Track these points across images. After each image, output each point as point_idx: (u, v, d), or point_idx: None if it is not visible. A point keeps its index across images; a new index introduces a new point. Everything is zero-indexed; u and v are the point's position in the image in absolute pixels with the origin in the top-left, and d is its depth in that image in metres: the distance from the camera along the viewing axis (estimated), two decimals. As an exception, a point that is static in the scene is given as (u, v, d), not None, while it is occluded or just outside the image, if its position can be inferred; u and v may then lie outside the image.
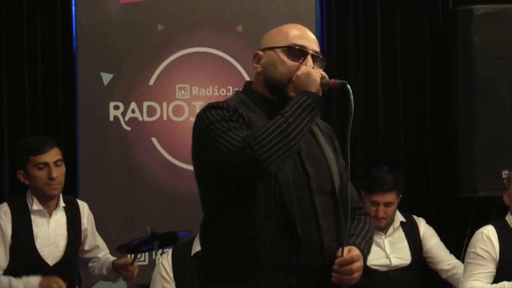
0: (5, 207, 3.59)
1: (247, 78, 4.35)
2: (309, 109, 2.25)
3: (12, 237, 3.53)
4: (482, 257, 3.55)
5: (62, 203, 3.66)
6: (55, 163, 3.56)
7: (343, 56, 5.12)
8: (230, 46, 4.77)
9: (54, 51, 4.83)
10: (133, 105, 4.73)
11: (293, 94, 2.32)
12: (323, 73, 2.35)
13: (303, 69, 2.35)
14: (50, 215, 3.62)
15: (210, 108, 2.32)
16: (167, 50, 4.76)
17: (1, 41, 4.76)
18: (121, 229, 4.59)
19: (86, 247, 3.78)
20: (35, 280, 3.46)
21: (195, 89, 4.78)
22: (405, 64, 5.15)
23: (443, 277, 4.25)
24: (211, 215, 2.35)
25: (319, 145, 2.43)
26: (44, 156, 3.54)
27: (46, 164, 3.54)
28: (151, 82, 4.75)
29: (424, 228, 4.30)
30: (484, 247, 3.56)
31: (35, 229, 3.56)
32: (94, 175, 4.66)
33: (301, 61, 2.37)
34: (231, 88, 4.73)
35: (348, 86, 2.30)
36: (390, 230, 4.25)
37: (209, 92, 4.77)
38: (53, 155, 3.56)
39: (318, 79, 2.31)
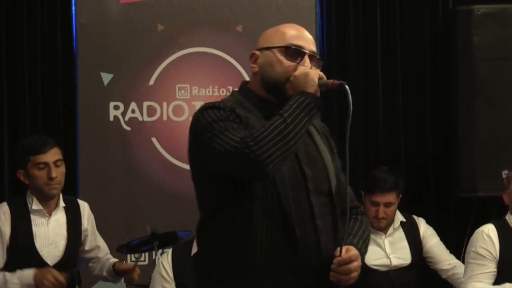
0: (4, 206, 3.59)
1: (247, 78, 4.34)
2: (307, 109, 2.25)
3: (12, 237, 3.53)
4: (483, 256, 3.54)
5: (62, 203, 3.66)
6: (55, 163, 3.56)
7: (343, 56, 5.12)
8: (230, 46, 4.77)
9: (54, 51, 4.83)
10: (133, 105, 4.73)
11: (290, 94, 2.31)
12: (321, 73, 2.34)
13: (301, 69, 2.34)
14: (50, 215, 3.61)
15: (206, 108, 2.32)
16: (167, 50, 4.76)
17: (1, 41, 4.77)
18: (121, 229, 4.59)
19: (87, 247, 3.77)
20: (29, 272, 3.45)
21: (195, 89, 4.78)
22: (405, 64, 5.15)
23: (443, 277, 4.25)
24: (207, 215, 2.35)
25: (315, 145, 2.43)
26: (44, 156, 3.54)
27: (46, 164, 3.54)
28: (151, 82, 4.75)
29: (424, 228, 4.30)
30: (485, 246, 3.55)
31: (35, 229, 3.56)
32: (94, 175, 4.66)
33: (298, 61, 2.37)
34: (231, 88, 4.73)
35: (347, 87, 2.29)
36: (390, 230, 4.25)
37: (209, 92, 4.77)
38: (53, 155, 3.56)
39: (316, 80, 2.31)
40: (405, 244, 4.24)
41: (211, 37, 4.79)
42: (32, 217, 3.58)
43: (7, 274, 3.47)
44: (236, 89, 2.51)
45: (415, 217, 4.35)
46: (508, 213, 3.64)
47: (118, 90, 4.72)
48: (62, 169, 3.61)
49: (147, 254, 4.62)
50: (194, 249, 3.62)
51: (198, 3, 4.78)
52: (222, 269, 2.29)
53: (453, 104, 4.89)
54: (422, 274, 4.27)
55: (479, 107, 4.73)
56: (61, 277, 3.44)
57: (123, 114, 4.72)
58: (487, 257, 3.54)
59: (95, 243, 3.80)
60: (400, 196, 4.24)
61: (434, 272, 4.28)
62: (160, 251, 4.08)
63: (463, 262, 3.86)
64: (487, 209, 4.79)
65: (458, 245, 4.60)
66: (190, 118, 2.38)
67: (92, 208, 3.82)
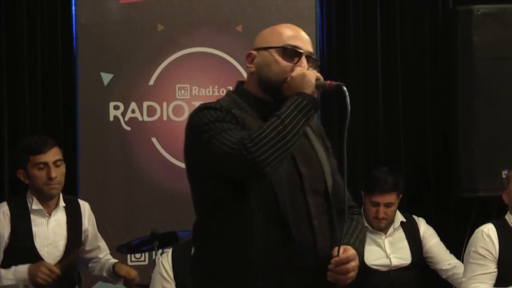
0: (4, 206, 3.59)
1: (247, 78, 4.35)
2: (305, 110, 2.24)
3: (11, 236, 3.53)
4: (483, 256, 3.54)
5: (62, 203, 3.66)
6: (55, 163, 3.56)
7: (343, 56, 5.12)
8: (230, 46, 4.77)
9: (54, 51, 4.83)
10: (133, 105, 4.73)
11: (287, 94, 2.31)
12: (318, 74, 2.34)
13: (298, 70, 2.33)
14: (50, 215, 3.61)
15: (203, 109, 2.31)
16: (167, 50, 4.76)
17: (1, 41, 4.76)
18: (121, 229, 4.59)
19: (87, 247, 3.77)
20: (24, 268, 3.45)
21: (195, 89, 4.78)
22: (405, 64, 5.15)
23: (443, 277, 4.25)
24: (203, 214, 2.35)
25: (311, 146, 2.42)
26: (44, 156, 3.53)
27: (46, 164, 3.53)
28: (151, 82, 4.75)
29: (424, 228, 4.30)
30: (485, 246, 3.55)
31: (35, 228, 3.56)
32: (94, 175, 4.66)
33: (295, 61, 2.36)
34: (231, 88, 4.70)
35: (344, 88, 2.29)
36: (390, 230, 4.25)
37: (209, 92, 4.77)
38: (52, 155, 3.56)
39: (313, 81, 2.30)
40: (405, 244, 4.24)
41: (211, 37, 4.79)
42: (32, 217, 3.57)
43: (2, 270, 3.47)
44: (232, 89, 2.51)
45: (415, 217, 4.35)
46: (508, 212, 3.64)
47: (118, 90, 4.71)
48: (62, 169, 3.60)
49: (147, 254, 4.62)
50: (194, 249, 3.63)
51: (198, 3, 4.78)
52: (218, 269, 2.28)
53: (453, 104, 4.90)
54: (422, 274, 4.27)
55: (479, 107, 4.74)
56: (55, 268, 3.44)
57: (123, 114, 4.72)
58: (488, 257, 3.54)
59: (96, 243, 3.80)
60: (400, 196, 4.24)
61: (434, 272, 4.28)
62: (160, 251, 4.08)
63: (463, 262, 3.86)
64: (487, 209, 4.79)
65: (458, 245, 4.60)
66: (190, 119, 2.37)
67: (92, 208, 3.81)
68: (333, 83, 2.32)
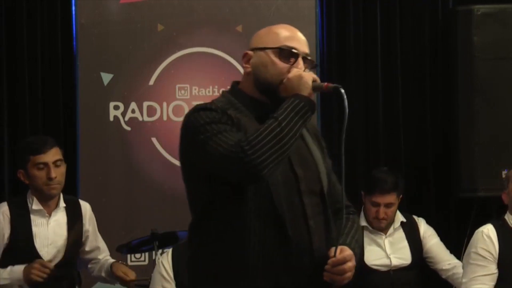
0: (4, 207, 3.59)
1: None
2: (301, 113, 2.24)
3: (11, 236, 3.53)
4: (484, 257, 3.54)
5: (62, 204, 3.66)
6: (55, 163, 3.56)
7: (343, 56, 5.12)
8: (230, 46, 4.77)
9: (54, 51, 4.83)
10: (133, 105, 4.72)
11: (284, 95, 2.30)
12: (315, 76, 2.33)
13: (295, 71, 2.32)
14: (50, 215, 3.61)
15: (198, 109, 2.30)
16: (167, 50, 4.76)
17: (1, 41, 4.76)
18: (121, 229, 4.58)
19: (87, 248, 3.77)
20: (19, 268, 3.45)
21: (195, 89, 4.78)
22: (405, 64, 5.15)
23: (443, 277, 4.25)
24: (199, 215, 2.34)
25: (307, 146, 2.42)
26: (44, 156, 3.53)
27: (46, 164, 3.53)
28: (151, 82, 4.75)
29: (424, 228, 4.30)
30: (485, 247, 3.55)
31: (34, 229, 3.56)
32: (94, 175, 4.66)
33: (291, 63, 2.36)
34: (231, 88, 4.72)
35: (342, 90, 2.27)
36: (391, 230, 4.25)
37: (209, 92, 4.77)
38: (52, 155, 3.55)
39: (310, 83, 2.29)
40: (405, 244, 4.24)
41: (211, 37, 4.78)
42: (32, 217, 3.58)
43: None
44: (227, 89, 2.50)
45: (415, 217, 4.35)
46: (508, 212, 3.64)
47: (118, 90, 4.71)
48: (62, 169, 3.60)
49: (147, 254, 4.62)
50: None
51: (198, 3, 4.78)
52: (215, 270, 2.28)
53: (453, 104, 4.90)
54: (422, 274, 4.27)
55: (479, 107, 4.73)
56: (47, 263, 3.44)
57: (123, 114, 4.72)
58: (488, 258, 3.54)
59: (96, 244, 3.79)
60: (401, 196, 4.24)
61: (434, 272, 4.28)
62: (160, 251, 4.07)
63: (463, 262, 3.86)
64: (487, 209, 4.79)
65: (458, 245, 4.60)
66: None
67: (92, 208, 3.81)
68: (330, 85, 2.31)
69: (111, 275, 3.72)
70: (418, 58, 5.17)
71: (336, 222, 2.39)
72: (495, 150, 4.69)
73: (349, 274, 2.30)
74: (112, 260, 3.79)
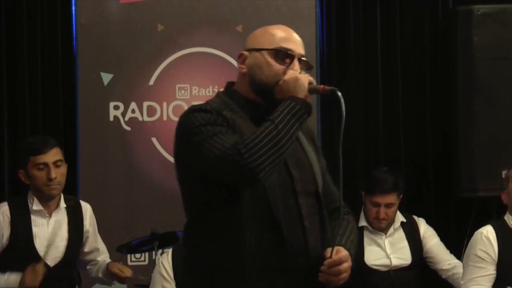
0: (4, 207, 3.59)
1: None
2: (298, 115, 2.23)
3: (11, 236, 3.53)
4: (482, 259, 3.54)
5: (63, 204, 3.65)
6: (55, 163, 3.55)
7: (343, 56, 5.12)
8: (230, 46, 4.77)
9: (54, 51, 4.83)
10: (133, 105, 4.72)
11: (279, 97, 2.29)
12: (311, 78, 2.32)
13: (291, 73, 2.32)
14: (50, 215, 3.61)
15: (193, 111, 2.29)
16: (167, 50, 4.76)
17: (1, 41, 4.76)
18: (121, 229, 4.58)
19: (86, 249, 3.76)
20: (16, 278, 3.45)
21: (195, 89, 4.78)
22: (405, 64, 5.15)
23: (443, 277, 4.25)
24: (194, 216, 2.34)
25: (301, 147, 2.42)
26: (44, 157, 3.53)
27: (46, 165, 3.53)
28: (151, 82, 4.75)
29: (424, 228, 4.30)
30: (484, 249, 3.55)
31: (35, 229, 3.56)
32: (94, 175, 4.66)
33: (287, 64, 2.35)
34: (231, 88, 4.72)
35: (339, 93, 2.26)
36: (391, 230, 4.25)
37: (209, 92, 4.76)
38: (53, 156, 3.55)
39: (306, 85, 2.28)
40: (405, 244, 4.24)
41: (211, 37, 4.78)
42: (33, 217, 3.57)
43: None
44: (221, 89, 2.49)
45: (415, 217, 4.35)
46: (507, 213, 3.64)
47: (118, 90, 4.71)
48: (63, 169, 3.60)
49: (147, 254, 4.62)
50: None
51: (198, 3, 4.77)
52: (211, 271, 2.27)
53: (453, 104, 4.90)
54: (422, 274, 4.28)
55: (479, 107, 4.74)
56: (39, 266, 3.43)
57: (123, 114, 4.71)
58: (487, 259, 3.54)
59: (95, 245, 3.79)
60: (401, 196, 4.24)
61: (434, 272, 4.29)
62: (160, 251, 4.07)
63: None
64: (487, 209, 4.79)
65: (458, 245, 4.60)
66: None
67: (92, 208, 3.81)
68: (327, 87, 2.30)
69: (108, 274, 3.71)
70: (418, 58, 5.17)
71: (331, 222, 2.40)
72: (495, 150, 4.69)
73: (345, 275, 2.29)
74: (109, 260, 3.79)
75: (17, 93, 4.78)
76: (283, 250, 2.25)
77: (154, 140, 4.73)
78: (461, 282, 3.66)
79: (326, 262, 2.26)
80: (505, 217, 3.64)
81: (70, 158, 4.42)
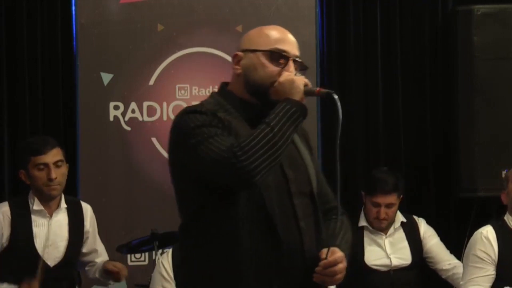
0: (4, 207, 3.59)
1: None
2: (293, 118, 2.23)
3: (11, 237, 3.53)
4: (482, 259, 3.54)
5: (63, 204, 3.65)
6: (55, 163, 3.55)
7: (343, 56, 5.11)
8: (230, 46, 4.76)
9: (54, 51, 4.83)
10: (133, 105, 4.72)
11: (274, 98, 2.29)
12: (307, 80, 2.31)
13: (286, 75, 2.31)
14: (51, 215, 3.61)
15: (188, 112, 2.29)
16: (167, 50, 4.76)
17: (1, 41, 4.76)
18: (121, 229, 4.58)
19: (85, 250, 3.75)
20: None
21: (195, 89, 4.78)
22: (405, 64, 5.15)
23: (443, 277, 4.25)
24: (190, 217, 2.33)
25: (296, 148, 2.41)
26: (44, 157, 3.53)
27: (46, 165, 3.53)
28: (151, 82, 4.75)
29: (425, 229, 4.31)
30: (484, 249, 3.55)
31: (35, 229, 3.56)
32: (94, 175, 4.66)
33: (282, 66, 2.34)
34: (231, 88, 4.72)
35: (335, 96, 2.26)
36: (391, 230, 4.25)
37: (209, 92, 4.75)
38: (53, 156, 3.55)
39: (302, 87, 2.28)
40: (405, 244, 4.25)
41: (211, 37, 4.78)
42: (33, 217, 3.57)
43: None
44: (216, 90, 2.48)
45: (415, 217, 4.36)
46: (507, 213, 3.64)
47: (118, 90, 4.71)
48: (63, 169, 3.60)
49: (147, 254, 4.62)
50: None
51: (198, 3, 4.77)
52: (208, 272, 2.26)
53: (453, 104, 4.90)
54: (422, 274, 4.28)
55: (479, 107, 4.73)
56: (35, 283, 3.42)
57: (123, 114, 4.71)
58: (486, 260, 3.54)
59: (94, 246, 3.77)
60: (401, 196, 4.24)
61: (434, 272, 4.29)
62: (160, 251, 4.07)
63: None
64: (487, 209, 4.79)
65: (458, 245, 4.59)
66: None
67: (92, 208, 3.81)
68: (323, 90, 2.30)
69: (103, 273, 3.69)
70: (418, 58, 5.17)
71: (325, 222, 2.40)
72: (495, 150, 4.69)
73: (340, 276, 2.29)
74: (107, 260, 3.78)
75: (17, 93, 4.78)
76: (279, 251, 2.24)
77: (154, 140, 4.73)
78: (461, 282, 3.66)
79: (321, 263, 2.26)
80: (505, 217, 3.64)
81: (70, 158, 4.41)
